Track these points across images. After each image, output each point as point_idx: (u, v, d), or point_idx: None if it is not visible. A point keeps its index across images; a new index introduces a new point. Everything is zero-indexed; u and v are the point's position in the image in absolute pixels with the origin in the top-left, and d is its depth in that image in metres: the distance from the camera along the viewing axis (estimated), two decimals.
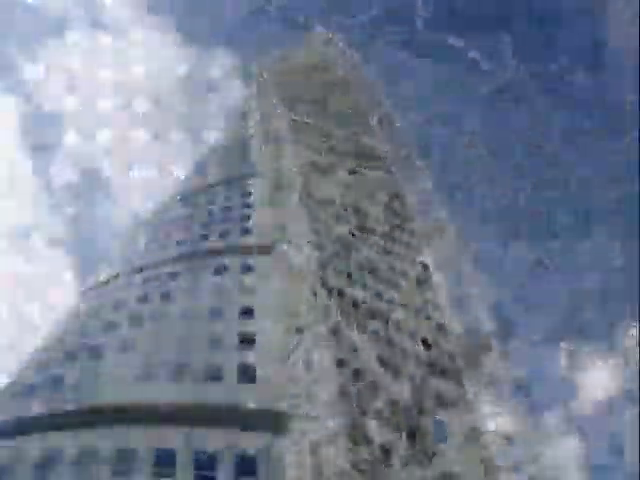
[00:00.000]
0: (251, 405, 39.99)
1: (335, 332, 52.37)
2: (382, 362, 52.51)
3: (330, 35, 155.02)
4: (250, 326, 46.81)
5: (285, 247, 58.90)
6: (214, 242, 60.54)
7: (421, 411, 50.02)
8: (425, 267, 72.06)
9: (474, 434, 52.61)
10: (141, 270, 57.63)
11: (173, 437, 36.97)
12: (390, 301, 62.66)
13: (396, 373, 52.79)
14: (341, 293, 58.75)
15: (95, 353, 45.70)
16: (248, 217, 64.37)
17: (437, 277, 71.33)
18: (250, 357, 43.75)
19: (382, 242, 73.07)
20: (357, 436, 43.48)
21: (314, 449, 37.27)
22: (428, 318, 63.31)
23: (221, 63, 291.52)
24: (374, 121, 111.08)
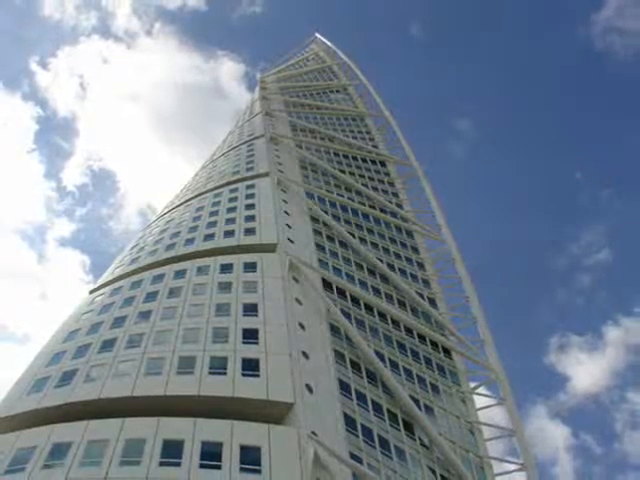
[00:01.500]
0: (255, 397, 40.39)
1: (335, 327, 53.31)
2: (380, 356, 53.39)
3: (330, 44, 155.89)
4: (254, 322, 47.49)
5: (287, 246, 59.83)
6: (219, 241, 61.50)
7: (418, 403, 50.99)
8: (422, 265, 73.09)
9: (469, 425, 53.69)
10: (149, 268, 58.72)
11: (180, 428, 37.39)
12: (389, 298, 63.52)
13: (394, 367, 53.65)
14: (341, 290, 59.66)
15: (105, 348, 46.44)
16: (252, 217, 65.12)
17: (434, 275, 72.53)
18: (254, 351, 44.19)
19: (381, 242, 74.03)
20: (356, 427, 44.40)
21: (315, 439, 37.79)
22: (425, 314, 64.28)
23: (227, 68, 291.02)
24: (373, 124, 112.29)
